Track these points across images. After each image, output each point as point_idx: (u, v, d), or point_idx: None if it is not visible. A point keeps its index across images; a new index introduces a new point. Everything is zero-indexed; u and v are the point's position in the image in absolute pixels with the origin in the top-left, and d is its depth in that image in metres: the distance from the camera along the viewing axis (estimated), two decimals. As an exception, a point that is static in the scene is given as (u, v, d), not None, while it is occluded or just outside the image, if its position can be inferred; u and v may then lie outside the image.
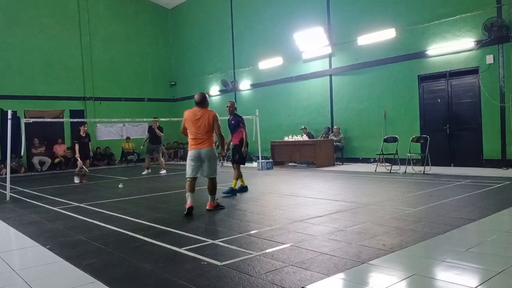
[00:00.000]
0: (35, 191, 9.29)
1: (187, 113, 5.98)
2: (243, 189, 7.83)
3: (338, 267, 3.30)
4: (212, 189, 6.06)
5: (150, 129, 13.00)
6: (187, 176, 5.92)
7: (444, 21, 10.66)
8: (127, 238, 4.58)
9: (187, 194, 5.80)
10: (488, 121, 10.08)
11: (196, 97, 6.04)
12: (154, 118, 13.25)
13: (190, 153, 5.90)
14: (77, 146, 10.74)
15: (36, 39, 16.38)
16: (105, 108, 17.87)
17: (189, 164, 5.91)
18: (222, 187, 7.95)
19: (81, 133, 11.00)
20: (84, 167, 10.82)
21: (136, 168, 15.85)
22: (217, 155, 6.11)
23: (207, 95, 6.19)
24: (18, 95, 15.74)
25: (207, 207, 6.06)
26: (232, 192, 7.46)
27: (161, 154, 13.21)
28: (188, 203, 5.73)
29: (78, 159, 10.70)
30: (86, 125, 11.36)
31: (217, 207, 6.10)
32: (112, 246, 4.26)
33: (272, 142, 14.08)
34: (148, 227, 5.06)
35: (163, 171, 12.70)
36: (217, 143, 6.34)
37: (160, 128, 12.96)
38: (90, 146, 11.42)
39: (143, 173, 12.46)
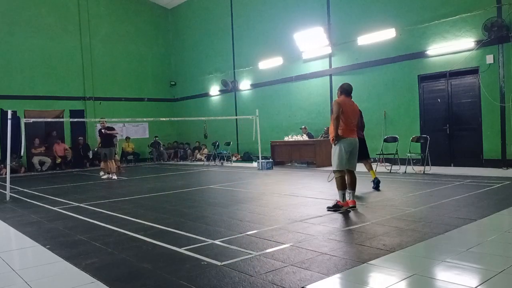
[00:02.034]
0: (35, 191, 9.29)
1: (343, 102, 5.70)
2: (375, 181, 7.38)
3: (338, 267, 3.30)
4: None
5: (100, 133, 11.90)
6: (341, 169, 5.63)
7: (444, 21, 10.66)
8: (127, 238, 4.57)
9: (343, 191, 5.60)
10: (488, 121, 10.07)
11: (349, 86, 5.91)
12: (101, 118, 12.28)
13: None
14: (99, 142, 12.41)
15: (36, 39, 16.38)
16: (105, 108, 17.86)
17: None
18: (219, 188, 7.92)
19: (102, 130, 11.90)
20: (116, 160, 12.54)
21: (136, 168, 15.86)
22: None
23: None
24: (18, 95, 15.73)
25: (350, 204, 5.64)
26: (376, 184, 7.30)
27: (114, 159, 12.05)
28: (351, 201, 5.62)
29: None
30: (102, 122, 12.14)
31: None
32: (112, 246, 4.26)
33: (272, 142, 14.08)
34: (148, 227, 5.06)
35: (105, 176, 11.66)
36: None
37: (109, 128, 11.93)
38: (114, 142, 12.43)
39: (102, 177, 11.72)
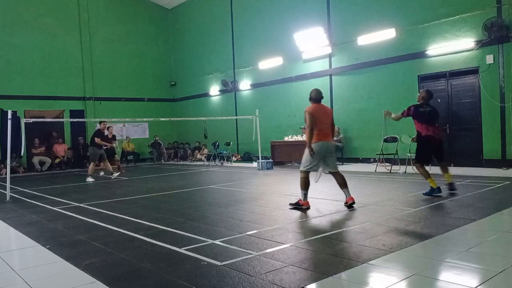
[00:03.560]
0: (35, 191, 9.29)
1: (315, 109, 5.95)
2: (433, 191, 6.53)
3: (338, 267, 3.30)
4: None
5: (101, 134, 11.63)
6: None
7: (444, 21, 10.66)
8: (127, 238, 4.58)
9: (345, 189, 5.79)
10: (488, 121, 10.08)
11: (318, 94, 6.07)
12: (103, 121, 11.92)
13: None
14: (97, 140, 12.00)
15: (36, 39, 16.38)
16: (105, 108, 17.87)
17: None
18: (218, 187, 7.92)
19: (109, 135, 12.21)
20: (117, 161, 12.62)
21: (136, 168, 15.86)
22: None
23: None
24: (18, 95, 15.73)
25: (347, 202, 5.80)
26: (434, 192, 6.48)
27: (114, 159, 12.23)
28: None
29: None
30: (111, 128, 12.76)
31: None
32: (112, 246, 4.26)
33: (272, 142, 14.08)
34: (148, 227, 5.06)
35: (116, 174, 11.75)
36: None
37: (113, 136, 12.66)
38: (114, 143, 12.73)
39: (112, 176, 11.66)
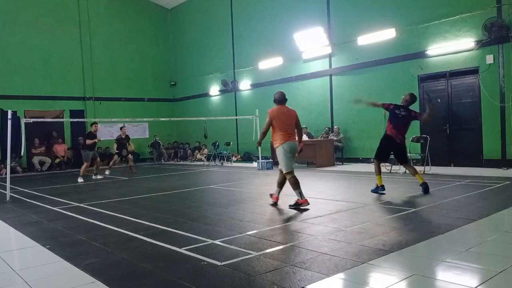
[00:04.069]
0: (35, 191, 9.29)
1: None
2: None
3: (338, 267, 3.30)
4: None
5: (93, 136, 11.62)
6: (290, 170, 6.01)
7: (444, 21, 10.66)
8: (127, 238, 4.58)
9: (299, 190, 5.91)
10: (488, 121, 10.08)
11: (281, 96, 6.27)
12: (95, 123, 12.07)
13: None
14: (115, 146, 13.27)
15: (36, 39, 16.38)
16: (105, 108, 17.87)
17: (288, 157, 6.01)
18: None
19: (122, 135, 13.15)
20: (130, 160, 13.39)
21: (136, 168, 15.84)
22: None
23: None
24: (18, 95, 15.73)
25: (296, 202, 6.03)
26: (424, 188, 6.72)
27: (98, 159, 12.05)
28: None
29: (115, 156, 13.15)
30: (125, 128, 13.47)
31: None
32: (112, 246, 4.26)
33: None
34: (148, 227, 5.06)
35: (99, 176, 11.68)
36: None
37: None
38: (129, 145, 13.56)
39: (106, 173, 12.42)
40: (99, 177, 11.64)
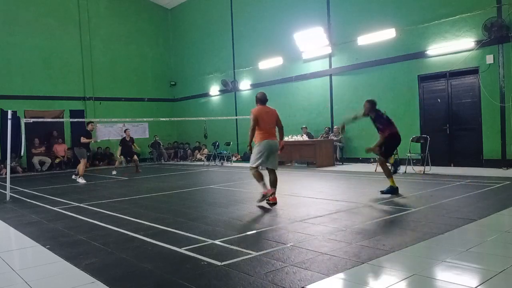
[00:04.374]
0: (35, 191, 9.29)
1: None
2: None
3: (338, 267, 3.30)
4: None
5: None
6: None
7: (444, 21, 10.66)
8: (127, 238, 4.57)
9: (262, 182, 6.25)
10: (488, 121, 10.07)
11: (262, 96, 6.52)
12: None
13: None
14: (119, 148, 13.33)
15: (36, 39, 16.38)
16: (105, 108, 17.88)
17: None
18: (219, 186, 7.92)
19: (126, 138, 13.29)
20: (137, 161, 13.42)
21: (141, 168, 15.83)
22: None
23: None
24: (18, 95, 15.73)
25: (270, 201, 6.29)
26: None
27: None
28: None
29: (118, 157, 13.39)
30: (129, 130, 13.77)
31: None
32: (112, 246, 4.26)
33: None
34: (148, 227, 5.06)
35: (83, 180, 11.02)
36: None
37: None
38: (134, 146, 13.65)
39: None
40: (80, 179, 10.93)
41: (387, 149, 7.08)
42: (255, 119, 6.20)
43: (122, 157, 13.28)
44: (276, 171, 6.41)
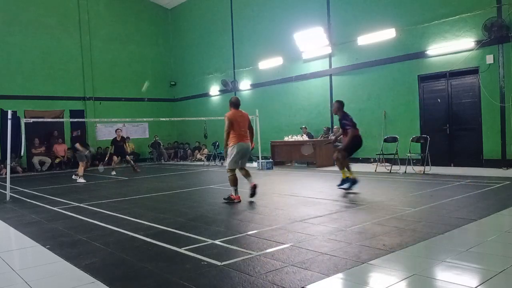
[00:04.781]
0: (35, 191, 9.30)
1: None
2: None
3: (338, 267, 3.30)
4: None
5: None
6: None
7: (444, 21, 10.66)
8: (127, 238, 4.58)
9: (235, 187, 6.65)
10: (488, 121, 10.08)
11: (236, 100, 6.95)
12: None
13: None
14: (112, 148, 13.17)
15: (36, 39, 16.39)
16: (105, 108, 17.88)
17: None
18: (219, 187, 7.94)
19: (117, 138, 13.11)
20: (130, 161, 13.38)
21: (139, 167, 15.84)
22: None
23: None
24: (18, 95, 15.74)
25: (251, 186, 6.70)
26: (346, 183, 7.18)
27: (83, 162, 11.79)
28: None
29: (114, 157, 13.16)
30: (120, 130, 13.57)
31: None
32: (112, 246, 4.26)
33: (272, 142, 14.08)
34: (148, 227, 5.06)
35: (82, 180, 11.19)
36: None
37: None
38: (126, 146, 13.67)
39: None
40: (80, 179, 11.11)
41: (349, 149, 7.39)
42: (230, 123, 6.53)
43: (115, 157, 13.19)
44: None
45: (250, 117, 7.13)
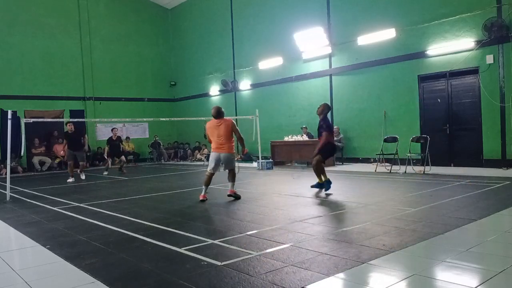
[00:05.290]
0: (35, 191, 9.29)
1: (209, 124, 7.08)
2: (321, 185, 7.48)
3: (338, 267, 3.30)
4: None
5: (66, 135, 11.65)
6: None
7: (444, 21, 10.66)
8: (127, 238, 4.58)
9: (204, 187, 6.90)
10: (488, 121, 10.08)
11: (213, 111, 7.05)
12: (68, 122, 11.59)
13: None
14: (107, 148, 13.30)
15: (36, 39, 16.38)
16: (105, 108, 17.87)
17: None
18: (218, 186, 7.95)
19: (113, 137, 13.23)
20: (122, 160, 13.41)
21: (136, 168, 15.85)
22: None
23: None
24: (18, 95, 15.72)
25: (228, 193, 7.03)
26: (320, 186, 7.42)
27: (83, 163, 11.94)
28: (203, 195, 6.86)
29: (108, 158, 13.30)
30: (116, 129, 13.71)
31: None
32: (112, 246, 4.26)
33: (272, 142, 14.07)
34: (148, 227, 5.06)
35: (77, 178, 11.33)
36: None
37: (77, 132, 11.80)
38: (121, 146, 13.83)
39: (68, 181, 11.07)
40: (70, 180, 11.06)
41: (325, 153, 7.41)
42: (207, 131, 6.98)
43: (110, 158, 13.25)
44: (233, 170, 7.04)
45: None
